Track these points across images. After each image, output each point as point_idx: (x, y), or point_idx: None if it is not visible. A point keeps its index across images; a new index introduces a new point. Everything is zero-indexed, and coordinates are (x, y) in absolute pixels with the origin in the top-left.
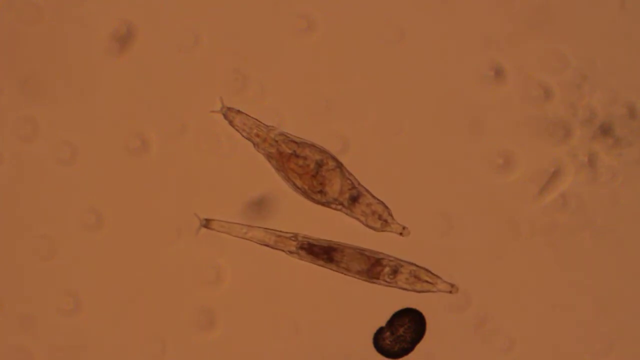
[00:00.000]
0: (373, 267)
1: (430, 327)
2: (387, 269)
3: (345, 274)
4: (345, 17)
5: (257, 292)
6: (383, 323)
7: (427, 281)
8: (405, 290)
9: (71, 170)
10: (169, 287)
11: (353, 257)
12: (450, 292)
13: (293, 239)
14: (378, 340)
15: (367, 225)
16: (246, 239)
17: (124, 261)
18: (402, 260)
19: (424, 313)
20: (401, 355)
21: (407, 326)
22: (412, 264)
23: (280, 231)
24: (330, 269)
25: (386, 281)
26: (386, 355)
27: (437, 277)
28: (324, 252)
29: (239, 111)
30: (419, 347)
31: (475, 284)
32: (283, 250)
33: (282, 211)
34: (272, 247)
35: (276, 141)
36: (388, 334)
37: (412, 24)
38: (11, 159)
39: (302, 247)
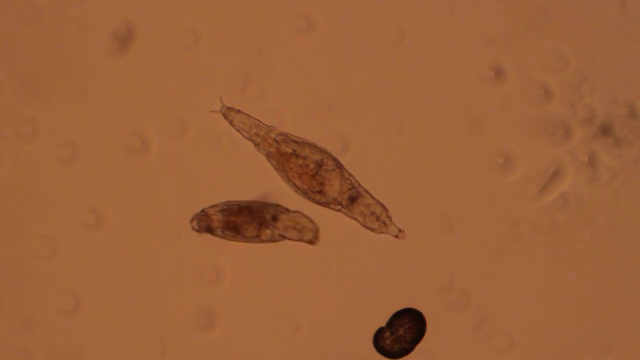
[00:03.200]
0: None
1: (430, 327)
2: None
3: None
4: (345, 17)
5: (257, 292)
6: (383, 323)
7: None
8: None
9: (71, 170)
10: (169, 287)
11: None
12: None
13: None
14: (378, 340)
15: (365, 226)
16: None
17: (124, 261)
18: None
19: (424, 313)
20: (401, 355)
21: (407, 326)
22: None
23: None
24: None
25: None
26: (386, 355)
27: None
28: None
29: (239, 111)
30: (419, 347)
31: (475, 284)
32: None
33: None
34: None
35: (276, 141)
36: (388, 334)
37: (412, 24)
38: (11, 159)
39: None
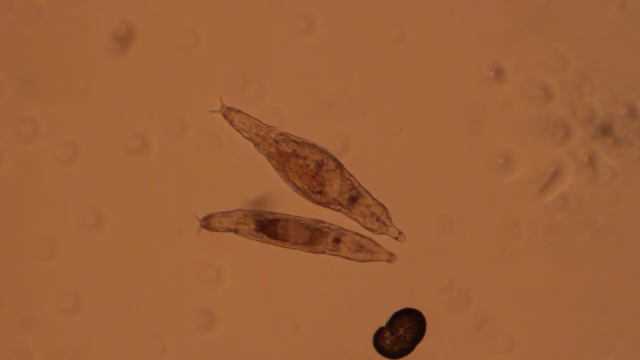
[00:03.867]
0: (315, 236)
1: (430, 327)
2: (329, 239)
3: (287, 247)
4: (345, 17)
5: (257, 292)
6: (383, 323)
7: (369, 250)
8: (348, 259)
9: (71, 170)
10: (169, 287)
11: (294, 227)
12: (389, 260)
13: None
14: (378, 340)
15: (365, 227)
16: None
17: (124, 261)
18: (344, 229)
19: (424, 313)
20: (401, 355)
21: (407, 326)
22: (356, 233)
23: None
24: (275, 245)
25: (330, 250)
26: (386, 355)
27: (380, 246)
28: (266, 227)
29: (239, 111)
30: (419, 347)
31: (475, 284)
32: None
33: (281, 211)
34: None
35: (276, 141)
36: (388, 334)
37: (412, 24)
38: (11, 159)
39: (258, 229)
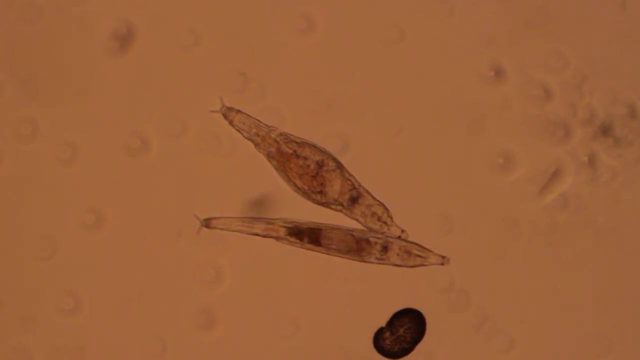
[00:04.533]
0: (362, 246)
1: (430, 327)
2: (377, 247)
3: (334, 255)
4: (345, 17)
5: (257, 292)
6: (383, 323)
7: (419, 255)
8: (398, 266)
9: (71, 170)
10: (169, 287)
11: (338, 237)
12: (442, 264)
13: (281, 224)
14: (378, 340)
15: (366, 227)
16: (242, 232)
17: (124, 261)
18: (390, 237)
19: (424, 313)
20: (401, 356)
21: (407, 326)
22: (402, 239)
23: (268, 218)
24: (319, 252)
25: (377, 259)
26: (386, 355)
27: (429, 250)
28: (311, 234)
29: (238, 111)
30: (419, 347)
31: (475, 284)
32: (272, 237)
33: (281, 211)
34: (261, 236)
35: (276, 141)
36: (388, 334)
37: (412, 24)
38: (11, 159)
39: (291, 233)
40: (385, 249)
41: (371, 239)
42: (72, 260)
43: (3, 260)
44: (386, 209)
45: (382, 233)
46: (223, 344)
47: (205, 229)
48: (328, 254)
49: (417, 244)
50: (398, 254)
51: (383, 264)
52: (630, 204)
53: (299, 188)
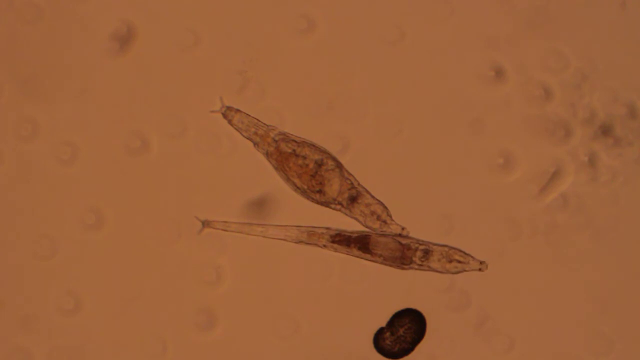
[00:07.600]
0: (404, 252)
1: (430, 327)
2: (418, 252)
3: (377, 262)
4: (345, 17)
5: (257, 292)
6: (383, 323)
7: (459, 261)
8: (439, 272)
9: (71, 170)
10: (169, 287)
11: (386, 244)
12: (480, 269)
13: (325, 233)
14: (378, 340)
15: (366, 226)
16: (265, 237)
17: (124, 261)
18: (431, 243)
19: (424, 313)
20: (401, 356)
21: (408, 326)
22: (443, 245)
23: (313, 227)
24: (365, 259)
25: (419, 264)
26: (386, 356)
27: (469, 256)
28: (358, 242)
29: (238, 110)
30: (419, 347)
31: (475, 284)
32: (317, 245)
33: (281, 211)
34: (306, 243)
35: (275, 140)
36: (388, 334)
37: (412, 24)
38: (11, 159)
39: (335, 240)
40: (426, 254)
41: (412, 245)
42: (72, 260)
43: (3, 260)
44: (385, 207)
45: (408, 237)
46: (223, 344)
47: (206, 230)
48: (373, 261)
49: (459, 250)
50: (439, 260)
51: (422, 269)
52: (630, 204)
53: (298, 187)
